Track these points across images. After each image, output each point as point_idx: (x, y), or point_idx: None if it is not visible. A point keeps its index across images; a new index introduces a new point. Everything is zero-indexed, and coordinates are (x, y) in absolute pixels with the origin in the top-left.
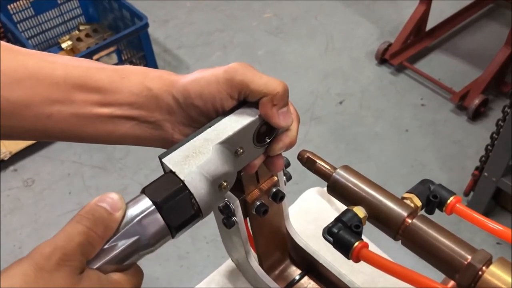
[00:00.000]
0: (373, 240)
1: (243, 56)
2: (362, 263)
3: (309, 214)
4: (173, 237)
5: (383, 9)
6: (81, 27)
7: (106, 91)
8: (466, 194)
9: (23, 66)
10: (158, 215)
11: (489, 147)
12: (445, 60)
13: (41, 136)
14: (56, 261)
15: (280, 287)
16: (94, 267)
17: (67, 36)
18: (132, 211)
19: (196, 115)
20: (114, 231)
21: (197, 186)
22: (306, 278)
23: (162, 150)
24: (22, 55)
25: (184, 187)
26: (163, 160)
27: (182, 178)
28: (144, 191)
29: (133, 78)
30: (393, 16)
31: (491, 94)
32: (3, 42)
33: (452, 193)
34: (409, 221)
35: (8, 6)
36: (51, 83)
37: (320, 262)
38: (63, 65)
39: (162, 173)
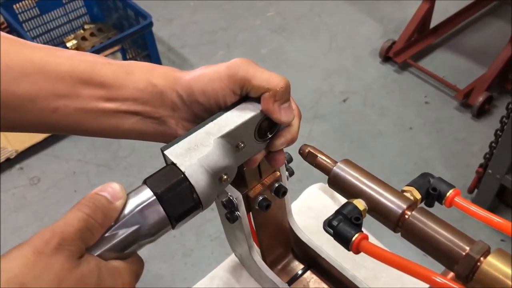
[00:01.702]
0: (376, 237)
1: (246, 54)
2: (364, 258)
3: (311, 210)
4: (173, 227)
5: (386, 7)
6: (86, 26)
7: (111, 86)
8: (470, 191)
9: (29, 60)
10: (159, 206)
11: (493, 144)
12: (449, 58)
13: (46, 129)
14: (54, 245)
15: (283, 281)
16: (95, 254)
17: (72, 35)
18: (133, 201)
19: (200, 111)
20: (114, 219)
21: (197, 178)
22: (308, 273)
23: None
24: (28, 48)
25: (185, 178)
26: (165, 152)
27: (183, 170)
28: (145, 182)
29: (138, 74)
30: (397, 14)
31: (495, 92)
32: (10, 35)
33: (451, 186)
34: (409, 213)
35: (14, 6)
36: (56, 77)
37: (323, 256)
38: (68, 59)
39: None
